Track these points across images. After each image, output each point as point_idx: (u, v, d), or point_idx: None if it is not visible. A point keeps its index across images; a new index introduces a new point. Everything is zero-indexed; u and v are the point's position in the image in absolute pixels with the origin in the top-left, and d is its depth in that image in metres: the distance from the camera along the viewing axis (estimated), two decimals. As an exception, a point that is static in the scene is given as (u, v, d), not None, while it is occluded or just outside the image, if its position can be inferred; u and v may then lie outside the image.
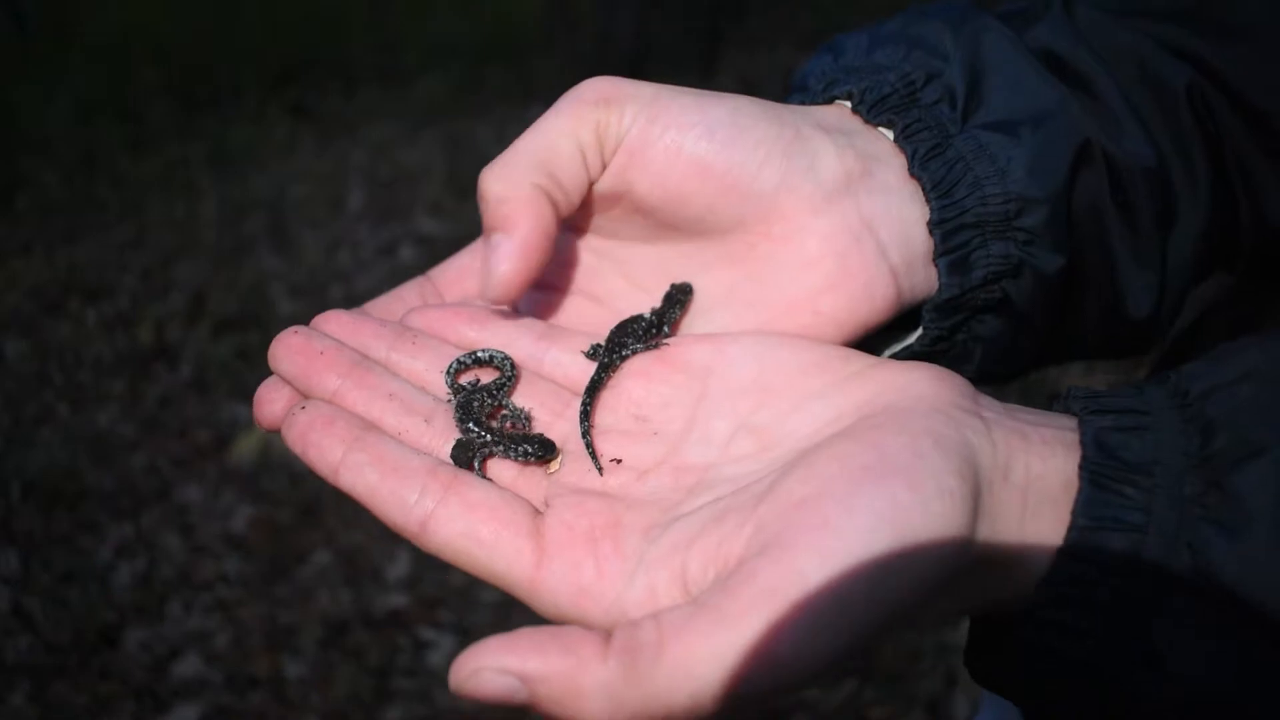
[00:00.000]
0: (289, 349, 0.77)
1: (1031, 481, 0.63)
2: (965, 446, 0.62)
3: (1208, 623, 0.59)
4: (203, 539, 3.29)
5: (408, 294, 0.87)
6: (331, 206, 5.03)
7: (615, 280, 0.87)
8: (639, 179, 0.78)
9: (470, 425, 0.75)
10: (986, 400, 0.68)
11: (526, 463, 0.74)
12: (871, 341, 0.82)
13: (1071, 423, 0.66)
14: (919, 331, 0.84)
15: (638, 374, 0.79)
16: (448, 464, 0.72)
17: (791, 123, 0.79)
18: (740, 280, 0.81)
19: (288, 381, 0.77)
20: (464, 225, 4.87)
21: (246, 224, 4.96)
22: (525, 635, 0.59)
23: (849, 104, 0.84)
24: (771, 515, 0.61)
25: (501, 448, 0.74)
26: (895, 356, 0.85)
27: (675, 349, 0.80)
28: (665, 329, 0.83)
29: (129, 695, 2.72)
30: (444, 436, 0.75)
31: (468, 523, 0.67)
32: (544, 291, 0.88)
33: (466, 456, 0.74)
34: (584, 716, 0.57)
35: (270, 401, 0.77)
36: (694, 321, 0.84)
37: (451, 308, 0.85)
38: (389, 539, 3.07)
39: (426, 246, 4.77)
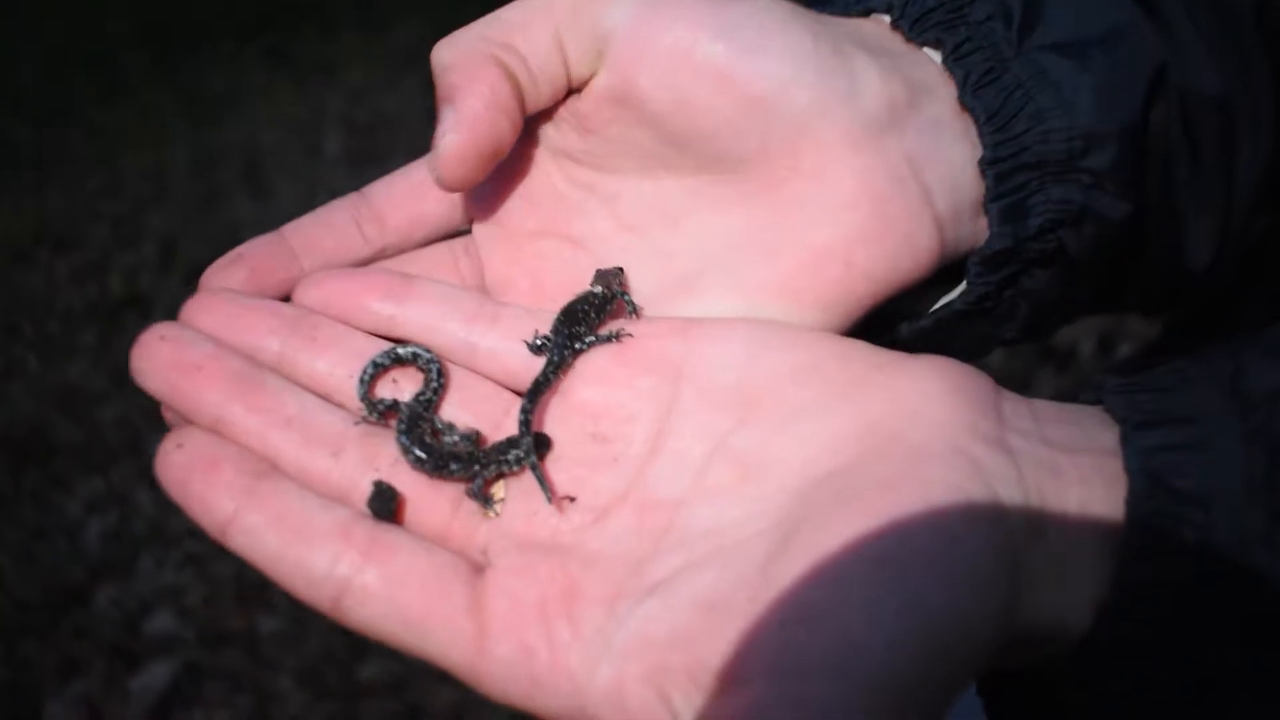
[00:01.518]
0: (155, 361, 0.62)
1: (1069, 535, 0.52)
2: (998, 512, 0.51)
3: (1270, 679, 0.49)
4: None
5: (337, 216, 0.72)
6: (308, 153, 4.89)
7: (602, 220, 0.73)
8: (643, 77, 0.65)
9: (424, 455, 0.62)
10: (1011, 408, 0.57)
11: (519, 471, 0.62)
12: (909, 296, 0.71)
13: (1110, 434, 0.55)
14: (962, 286, 0.72)
15: (594, 377, 0.66)
16: (365, 516, 0.59)
17: (828, 35, 0.66)
18: (761, 223, 0.68)
19: (157, 399, 0.63)
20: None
21: (220, 171, 4.83)
22: None
23: (887, 18, 0.71)
24: (768, 619, 0.50)
25: (491, 468, 0.62)
26: (936, 314, 0.73)
27: (641, 344, 0.66)
28: (631, 308, 0.69)
29: (100, 653, 2.65)
30: (359, 471, 0.62)
31: (393, 598, 0.55)
32: (510, 232, 0.74)
33: (389, 507, 0.60)
34: None
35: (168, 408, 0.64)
36: (705, 274, 0.70)
37: (359, 276, 0.70)
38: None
39: (406, 193, 4.61)
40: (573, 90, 0.70)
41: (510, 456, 0.62)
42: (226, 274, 0.69)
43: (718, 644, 0.50)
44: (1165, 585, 0.50)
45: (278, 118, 5.15)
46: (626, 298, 0.71)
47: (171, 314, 0.68)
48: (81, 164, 5.15)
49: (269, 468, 0.60)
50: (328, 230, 0.72)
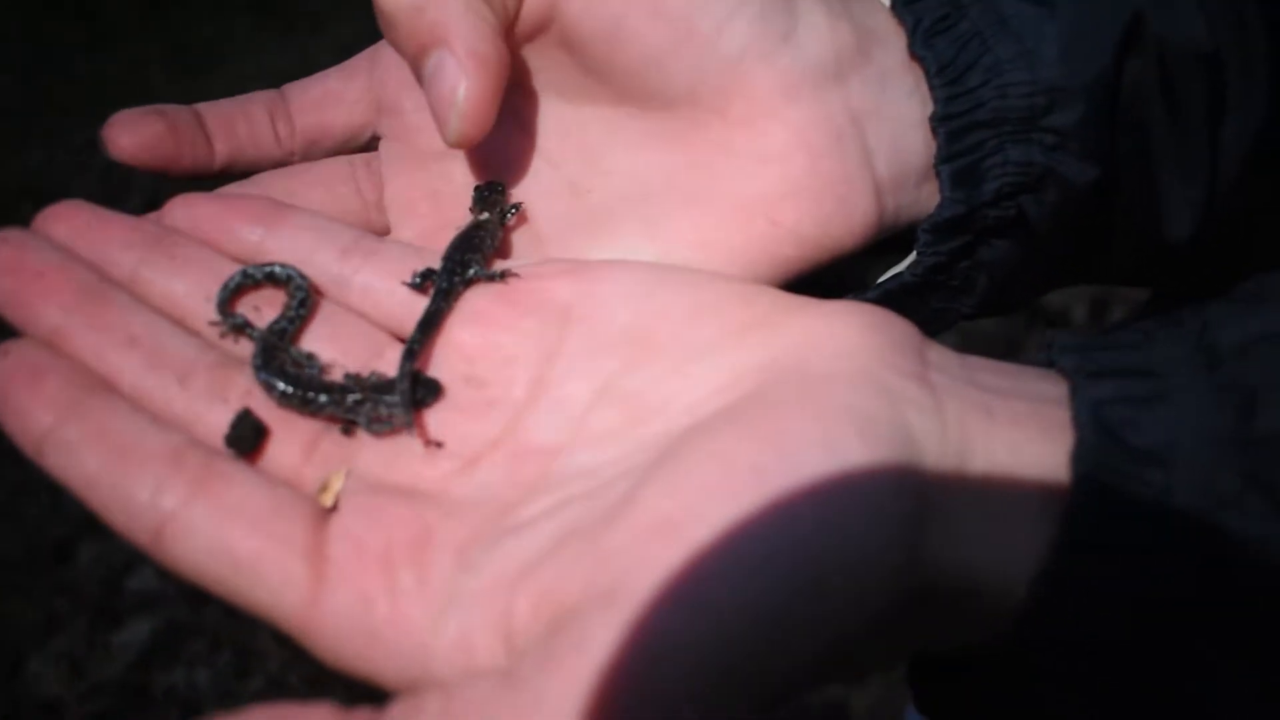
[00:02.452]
0: None
1: (999, 483, 0.46)
2: (903, 435, 0.45)
3: (1240, 667, 0.44)
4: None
5: (255, 110, 0.68)
6: (296, 106, 4.83)
7: (515, 141, 0.68)
8: (572, 3, 0.60)
9: (283, 385, 0.56)
10: (938, 355, 0.51)
11: (420, 414, 0.56)
12: (855, 266, 0.66)
13: (1058, 388, 0.49)
14: (911, 257, 0.66)
15: (473, 317, 0.60)
16: (200, 446, 0.52)
17: None
18: (680, 167, 0.63)
19: None
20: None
21: (207, 125, 4.78)
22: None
23: None
24: (620, 545, 0.44)
25: (365, 405, 0.56)
26: (883, 287, 0.67)
27: (528, 284, 0.60)
28: (510, 213, 0.64)
29: (82, 610, 2.65)
30: (204, 401, 0.55)
31: (220, 535, 0.48)
32: (416, 151, 0.69)
33: (253, 440, 0.54)
34: None
35: None
36: (616, 216, 0.65)
37: (230, 199, 0.64)
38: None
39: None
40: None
41: (389, 397, 0.56)
42: (138, 124, 0.65)
43: (568, 574, 0.45)
44: (1114, 549, 0.44)
45: (265, 70, 5.07)
46: (510, 212, 0.66)
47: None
48: (67, 116, 5.08)
49: (102, 385, 0.53)
50: (243, 119, 0.67)
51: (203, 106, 0.67)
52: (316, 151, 0.70)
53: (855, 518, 0.43)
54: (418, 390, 0.56)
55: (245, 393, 0.57)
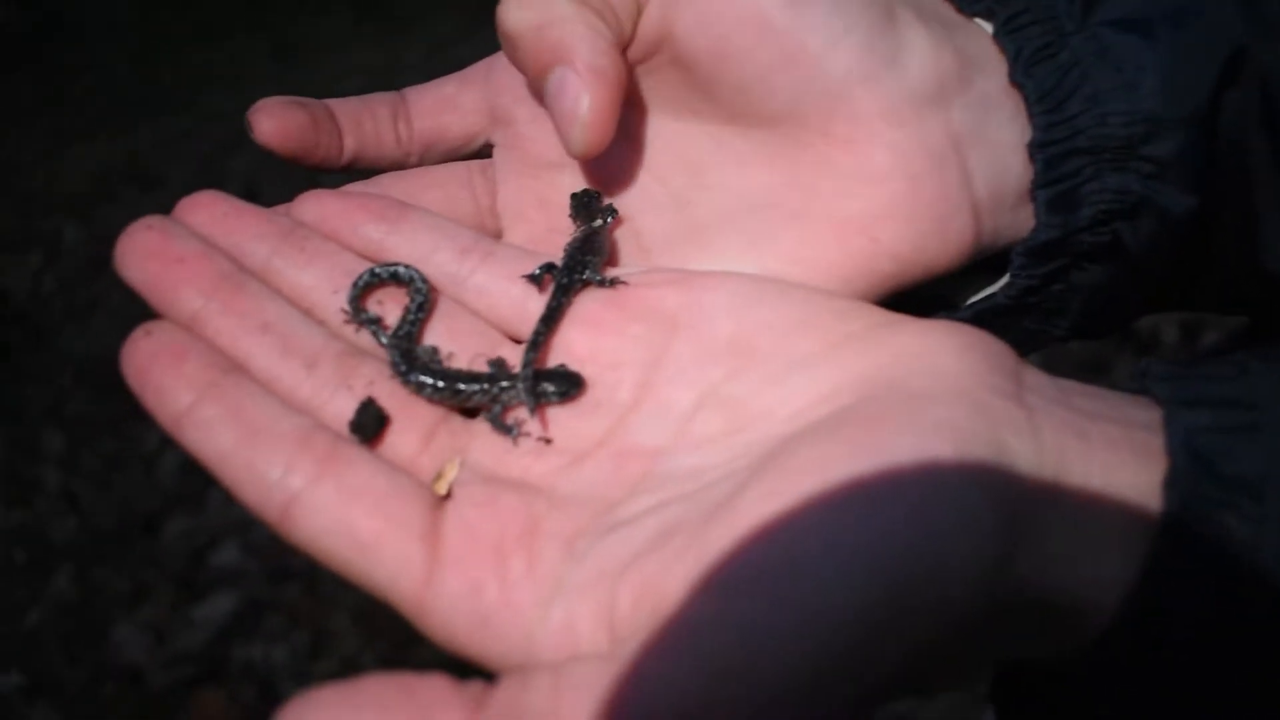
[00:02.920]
0: (139, 250, 0.59)
1: (1090, 503, 0.47)
2: (997, 452, 0.46)
3: None
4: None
5: (380, 109, 0.71)
6: (390, 102, 4.92)
7: (624, 157, 0.70)
8: (681, 19, 0.62)
9: (433, 380, 0.59)
10: (1033, 377, 0.52)
11: (543, 406, 0.59)
12: (950, 285, 0.68)
13: (1151, 414, 0.50)
14: (1005, 279, 0.68)
15: (584, 321, 0.62)
16: (326, 430, 0.55)
17: None
18: (783, 184, 0.65)
19: (137, 291, 0.59)
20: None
21: (304, 117, 4.89)
22: (370, 690, 0.44)
23: None
24: (721, 544, 0.45)
25: (509, 391, 0.59)
26: (976, 308, 0.69)
27: (636, 291, 0.62)
28: (609, 217, 0.66)
29: (168, 582, 2.74)
30: (330, 388, 0.58)
31: (344, 515, 0.51)
32: (529, 159, 0.72)
33: (375, 427, 0.57)
34: None
35: None
36: (719, 229, 0.67)
37: (356, 197, 0.67)
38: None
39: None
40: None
41: (541, 388, 0.59)
42: (282, 112, 0.68)
43: (670, 568, 0.47)
44: (1204, 575, 0.45)
45: (361, 65, 5.18)
46: (609, 217, 0.68)
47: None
48: (171, 104, 5.24)
49: (236, 367, 0.57)
50: (369, 118, 0.70)
51: (333, 103, 0.70)
52: (432, 155, 0.73)
53: (948, 529, 0.44)
54: (561, 384, 0.59)
55: (369, 381, 0.60)
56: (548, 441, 0.58)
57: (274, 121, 0.68)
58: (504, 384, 0.60)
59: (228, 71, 5.48)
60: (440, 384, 0.60)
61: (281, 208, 0.67)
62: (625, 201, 0.70)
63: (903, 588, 0.43)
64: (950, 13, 0.67)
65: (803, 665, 0.42)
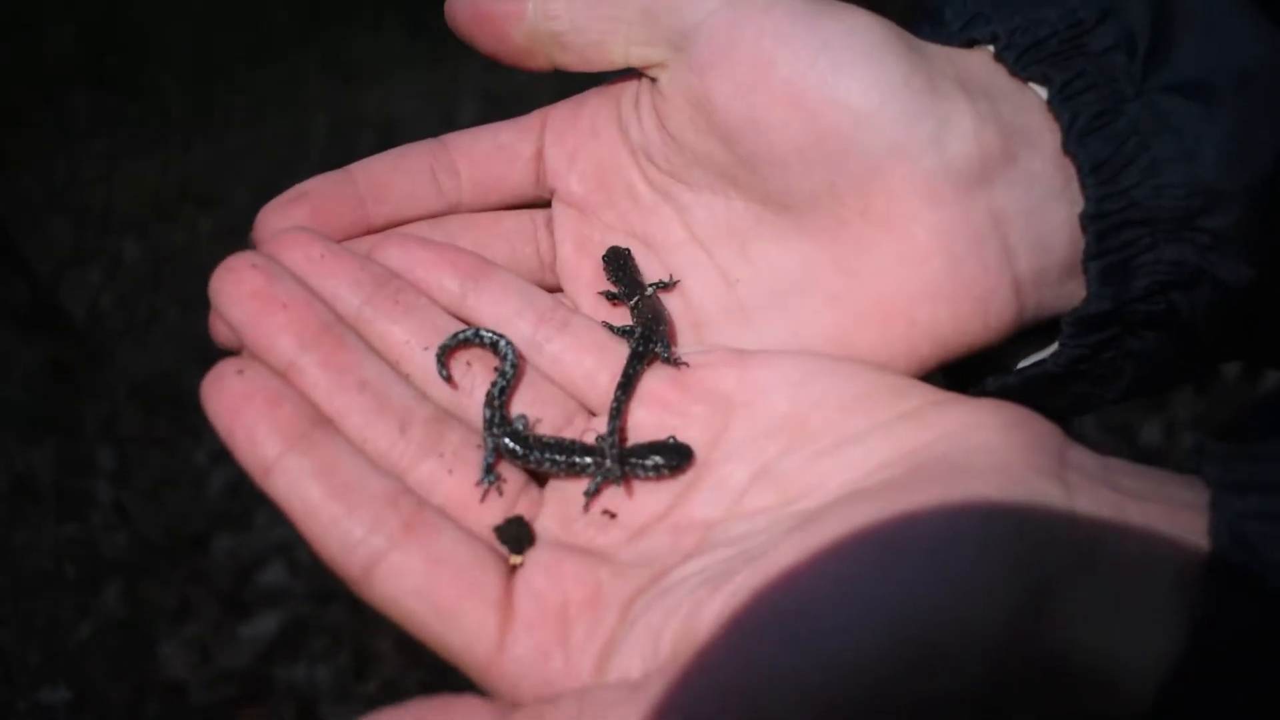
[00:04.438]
0: (241, 288, 0.59)
1: (1126, 575, 0.47)
2: (1025, 523, 0.47)
3: None
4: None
5: (413, 162, 0.70)
6: (442, 121, 4.96)
7: (675, 228, 0.70)
8: (719, 86, 0.62)
9: (551, 456, 0.61)
10: (1078, 455, 0.52)
11: (657, 479, 0.60)
12: (997, 352, 0.66)
13: (1199, 495, 0.49)
14: (1054, 347, 0.66)
15: (650, 400, 0.64)
16: (412, 494, 0.56)
17: (925, 69, 0.61)
18: (822, 264, 0.64)
19: (231, 328, 0.59)
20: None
21: (357, 137, 4.94)
22: (412, 711, 0.48)
23: (992, 48, 0.65)
24: (746, 586, 0.48)
25: (628, 466, 0.61)
26: (1025, 373, 0.67)
27: (696, 371, 0.64)
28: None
29: (214, 599, 2.76)
30: (419, 451, 0.59)
31: (427, 580, 0.53)
32: (586, 220, 0.73)
33: (523, 541, 0.58)
34: None
35: (219, 326, 0.61)
36: (762, 307, 0.67)
37: (442, 249, 0.67)
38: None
39: (534, 166, 4.65)
40: (640, 74, 0.68)
41: (649, 462, 0.60)
42: (285, 212, 0.66)
43: (701, 610, 0.49)
44: (1245, 657, 0.46)
45: (415, 86, 5.23)
46: (663, 284, 0.70)
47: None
48: (227, 124, 5.33)
49: (325, 421, 0.57)
50: (401, 176, 0.69)
51: (356, 168, 0.69)
52: (483, 204, 0.72)
53: (966, 589, 0.45)
54: (672, 456, 0.60)
55: (457, 448, 0.61)
56: (612, 516, 0.60)
57: (279, 222, 0.67)
58: (618, 459, 0.61)
59: (283, 91, 5.56)
60: (559, 459, 0.61)
61: (364, 243, 0.67)
62: (676, 268, 0.70)
63: (917, 640, 0.44)
64: (1001, 81, 0.65)
65: (809, 701, 0.44)
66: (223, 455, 3.38)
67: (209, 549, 2.90)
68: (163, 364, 3.73)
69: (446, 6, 0.68)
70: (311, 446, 0.55)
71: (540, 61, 0.67)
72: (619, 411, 0.63)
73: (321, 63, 5.81)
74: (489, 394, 0.63)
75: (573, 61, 0.67)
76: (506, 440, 0.61)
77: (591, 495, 0.61)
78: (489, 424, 0.62)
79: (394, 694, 2.47)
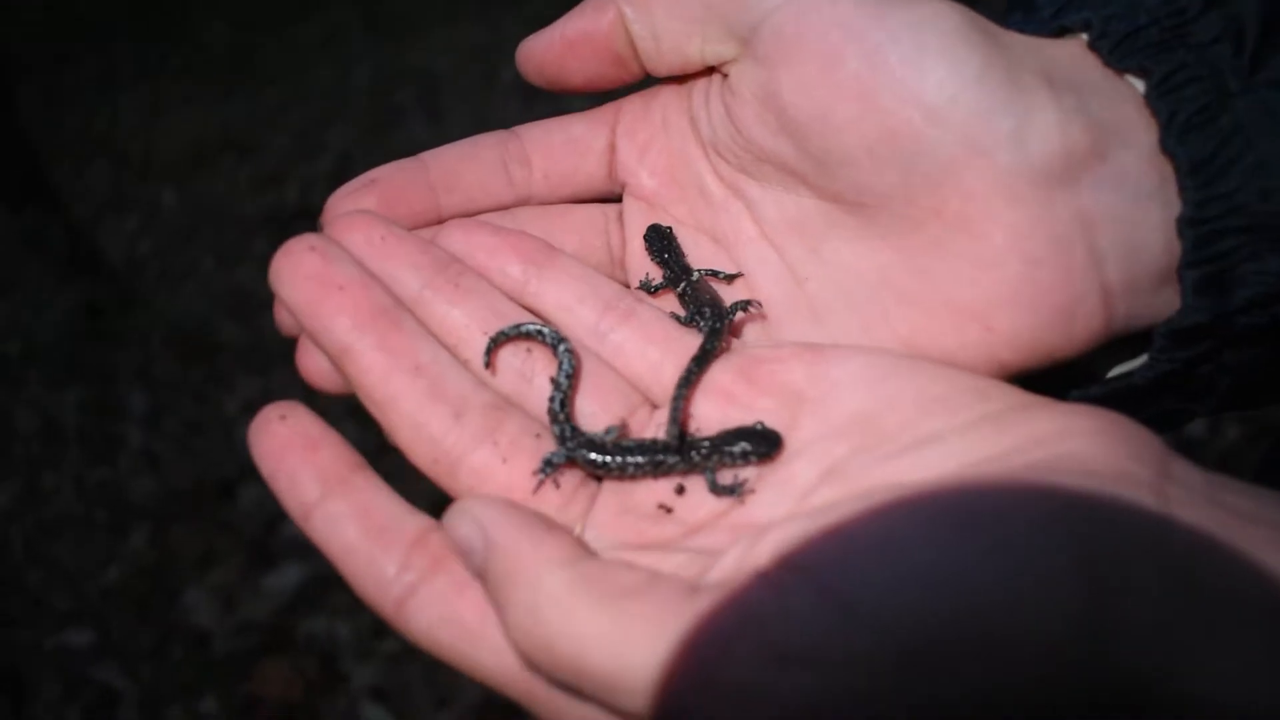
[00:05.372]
0: (299, 271, 0.60)
1: (1233, 604, 0.43)
2: (1111, 526, 0.44)
3: None
4: (324, 403, 3.27)
5: (485, 152, 0.69)
6: (484, 79, 4.93)
7: (744, 223, 0.68)
8: (786, 81, 0.60)
9: (635, 459, 0.59)
10: (1182, 470, 0.48)
11: (745, 465, 0.58)
12: (1078, 361, 0.62)
13: None
14: (1143, 359, 0.62)
15: (716, 392, 0.62)
16: (441, 530, 0.56)
17: (1004, 62, 0.56)
18: (895, 265, 0.61)
19: (289, 310, 0.60)
20: (616, 108, 4.64)
21: (399, 91, 4.92)
22: (521, 513, 0.51)
23: (1086, 36, 0.60)
24: (801, 533, 0.47)
25: (715, 456, 0.58)
26: (1111, 385, 0.63)
27: (765, 365, 0.62)
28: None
29: (240, 548, 2.76)
30: (474, 440, 0.58)
31: (451, 607, 0.52)
32: (657, 215, 0.71)
33: None
34: (510, 614, 0.48)
35: (284, 313, 0.62)
36: (832, 308, 0.64)
37: (506, 234, 0.67)
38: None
39: (575, 127, 4.60)
40: (713, 69, 0.67)
41: (736, 449, 0.58)
42: (356, 198, 0.66)
43: (758, 553, 0.49)
44: None
45: (457, 42, 5.19)
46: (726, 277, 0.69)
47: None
48: (269, 74, 5.32)
49: (362, 464, 0.58)
50: (472, 165, 0.69)
51: (428, 156, 0.68)
52: (555, 197, 0.72)
53: (1028, 580, 0.42)
54: (760, 444, 0.58)
55: (514, 437, 0.60)
56: (668, 510, 0.58)
57: (347, 208, 0.67)
58: (703, 450, 0.59)
59: (324, 45, 5.54)
60: (641, 461, 0.59)
61: (426, 232, 0.66)
62: (745, 264, 0.68)
63: (969, 615, 0.42)
64: (1093, 73, 0.60)
65: (849, 665, 0.42)
66: (252, 405, 3.38)
67: (236, 498, 2.91)
68: (197, 312, 3.74)
69: (523, 54, 0.68)
70: (349, 490, 0.56)
71: (633, 70, 0.67)
72: (679, 406, 0.61)
73: (361, 19, 5.79)
74: (551, 409, 0.61)
75: (657, 66, 0.66)
76: (584, 452, 0.59)
77: (720, 489, 0.58)
78: (561, 439, 0.60)
79: (415, 653, 2.45)
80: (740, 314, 0.66)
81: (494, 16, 5.46)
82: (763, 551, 0.47)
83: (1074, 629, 0.42)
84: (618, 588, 0.46)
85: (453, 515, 0.50)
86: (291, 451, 0.56)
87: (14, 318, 3.79)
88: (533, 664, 0.47)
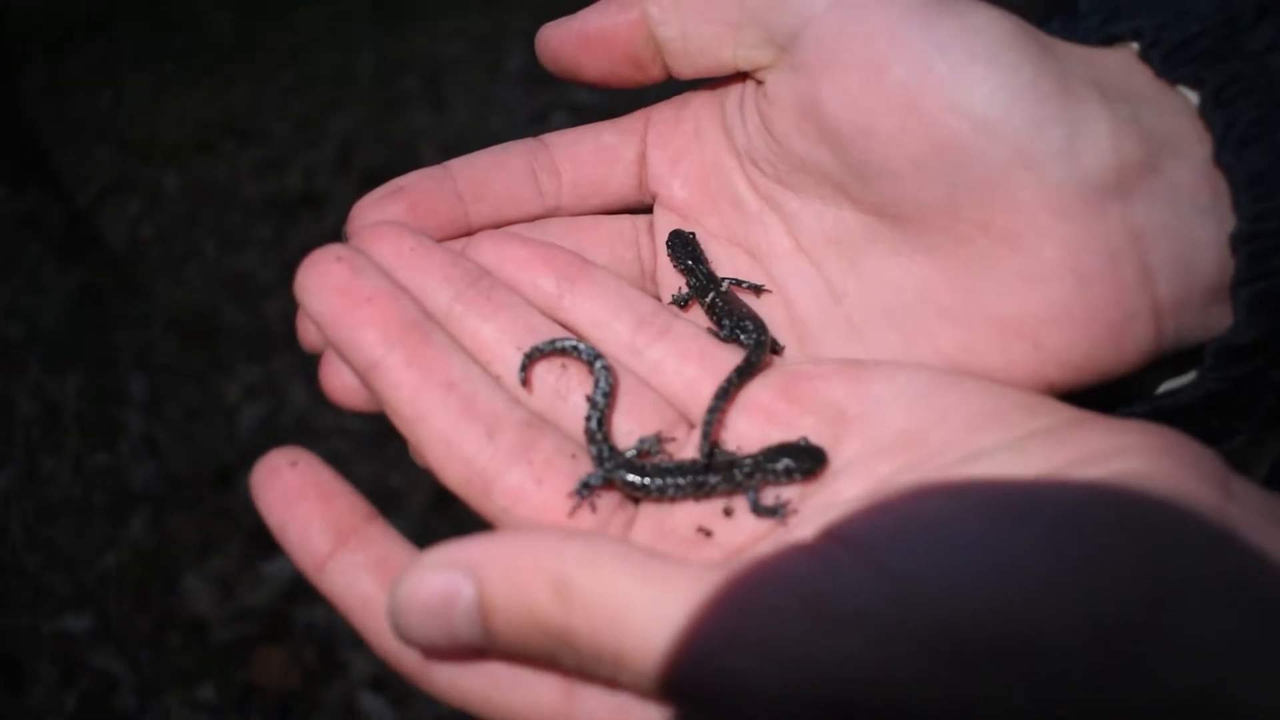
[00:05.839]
0: (325, 282, 0.58)
1: None
2: (1167, 535, 0.43)
3: None
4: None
5: (513, 161, 0.68)
6: (488, 68, 4.90)
7: (780, 237, 0.66)
8: (828, 90, 0.58)
9: (676, 481, 0.58)
10: (1244, 490, 0.47)
11: (789, 482, 0.57)
12: (1124, 378, 0.61)
13: None
14: (1191, 376, 0.60)
15: (753, 410, 0.60)
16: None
17: (1056, 71, 0.55)
18: (938, 281, 0.59)
19: (315, 322, 0.58)
20: (622, 97, 4.60)
21: (402, 79, 4.89)
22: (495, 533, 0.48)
23: (1136, 45, 0.58)
24: (840, 511, 0.47)
25: (758, 475, 0.57)
26: (1156, 402, 0.62)
27: (807, 382, 0.60)
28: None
29: (239, 534, 2.75)
30: (508, 459, 0.56)
31: (487, 675, 0.51)
32: (692, 226, 0.70)
33: None
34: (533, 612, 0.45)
35: (308, 327, 0.60)
36: (871, 323, 0.62)
37: (538, 247, 0.65)
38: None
39: (580, 116, 4.55)
40: (747, 75, 0.65)
41: (780, 466, 0.57)
42: (382, 206, 0.64)
43: (793, 530, 0.49)
44: None
45: (462, 30, 5.17)
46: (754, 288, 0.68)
47: (344, 214, 0.65)
48: (273, 60, 5.29)
49: (373, 514, 0.56)
50: (500, 174, 0.67)
51: (455, 164, 0.67)
52: (585, 207, 0.70)
53: (1081, 576, 0.41)
54: (804, 460, 0.56)
55: (549, 458, 0.57)
56: (708, 534, 0.56)
57: (375, 217, 0.65)
58: (746, 468, 0.58)
59: (329, 30, 5.51)
60: (682, 482, 0.58)
61: (459, 243, 0.65)
62: (781, 278, 0.67)
63: (1004, 602, 0.41)
64: (1144, 84, 0.58)
65: (897, 638, 0.41)
66: (253, 392, 3.39)
67: (236, 485, 2.90)
68: (199, 299, 3.73)
69: (541, 41, 0.66)
70: (364, 541, 0.54)
71: (653, 73, 0.65)
72: (712, 420, 0.59)
73: (365, 7, 5.76)
74: (588, 429, 0.59)
75: (684, 68, 0.64)
76: (623, 473, 0.57)
77: (762, 511, 0.57)
78: (598, 460, 0.58)
79: (413, 641, 2.45)
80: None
81: (499, 4, 5.44)
82: (805, 530, 0.47)
83: (1131, 633, 0.41)
84: (641, 553, 0.46)
85: (414, 575, 0.46)
86: (303, 502, 0.55)
87: (14, 301, 3.77)
88: (555, 641, 0.46)
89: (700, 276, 0.66)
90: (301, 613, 2.52)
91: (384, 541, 0.55)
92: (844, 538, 0.45)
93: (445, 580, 0.45)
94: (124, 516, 2.87)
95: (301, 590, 2.57)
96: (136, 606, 2.62)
